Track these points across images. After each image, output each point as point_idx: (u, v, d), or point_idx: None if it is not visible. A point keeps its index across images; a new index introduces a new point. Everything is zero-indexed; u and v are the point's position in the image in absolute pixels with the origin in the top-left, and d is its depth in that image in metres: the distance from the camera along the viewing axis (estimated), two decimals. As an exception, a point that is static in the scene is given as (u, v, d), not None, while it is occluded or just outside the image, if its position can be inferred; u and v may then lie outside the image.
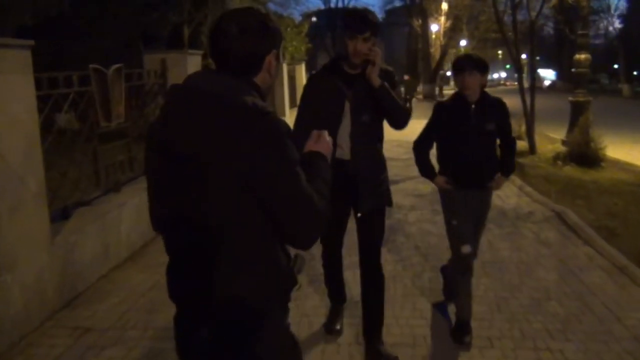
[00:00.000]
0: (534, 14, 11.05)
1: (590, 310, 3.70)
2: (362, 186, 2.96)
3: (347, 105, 2.90)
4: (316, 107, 2.96)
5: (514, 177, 8.13)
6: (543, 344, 3.27)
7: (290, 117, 12.78)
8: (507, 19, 11.25)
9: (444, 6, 29.74)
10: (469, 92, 3.24)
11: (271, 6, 23.37)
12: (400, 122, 2.96)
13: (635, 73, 41.29)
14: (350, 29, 2.79)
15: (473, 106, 3.26)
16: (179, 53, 6.53)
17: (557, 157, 9.76)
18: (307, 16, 27.28)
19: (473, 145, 3.27)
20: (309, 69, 21.70)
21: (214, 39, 1.52)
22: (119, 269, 4.64)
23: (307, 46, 18.42)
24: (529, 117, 10.51)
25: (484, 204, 3.47)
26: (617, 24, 46.82)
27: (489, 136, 3.32)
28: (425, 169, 3.49)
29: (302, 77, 17.29)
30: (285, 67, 14.28)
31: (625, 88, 38.56)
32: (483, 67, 3.24)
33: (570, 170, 8.96)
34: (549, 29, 42.38)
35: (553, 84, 50.27)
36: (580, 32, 10.61)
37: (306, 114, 3.02)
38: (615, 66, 46.29)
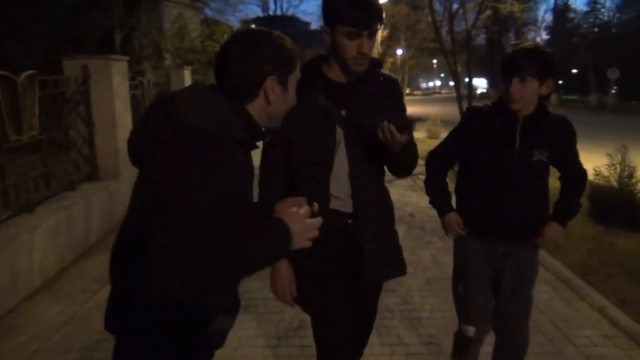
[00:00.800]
0: (469, 24, 11.23)
1: (540, 330, 3.57)
2: (371, 250, 2.05)
3: (339, 133, 1.96)
4: (292, 136, 1.97)
5: (452, 185, 8.11)
6: (493, 370, 3.08)
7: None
8: (443, 29, 11.37)
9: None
10: (519, 106, 2.21)
11: (208, 12, 22.97)
12: (405, 174, 2.13)
13: (560, 82, 43.39)
14: (349, 23, 1.81)
15: (521, 123, 2.25)
16: (102, 59, 6.07)
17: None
18: (245, 23, 26.90)
19: (512, 182, 2.27)
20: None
21: (217, 57, 1.46)
22: (30, 300, 4.13)
23: (244, 53, 18.05)
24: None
25: (522, 269, 2.39)
26: (544, 36, 49.26)
27: (538, 170, 2.29)
28: (436, 196, 2.52)
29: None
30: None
31: (552, 97, 40.46)
32: (546, 70, 2.17)
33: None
34: (480, 39, 43.93)
35: (485, 93, 52.07)
36: (513, 42, 10.87)
37: (276, 150, 2.03)
38: (543, 75, 48.40)
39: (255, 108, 1.44)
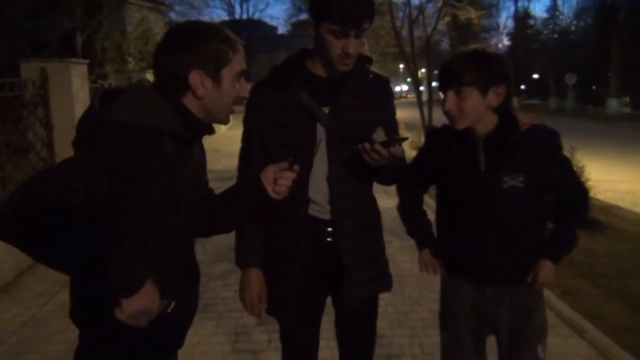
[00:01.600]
0: (429, 29, 11.50)
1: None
2: (351, 264, 1.85)
3: (320, 132, 1.80)
4: (270, 136, 1.84)
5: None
6: None
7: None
8: (404, 34, 11.62)
9: (347, 20, 30.39)
10: (462, 123, 1.81)
11: (172, 16, 22.80)
12: (388, 183, 2.01)
13: (522, 87, 44.52)
14: (335, 21, 1.65)
15: (482, 144, 1.85)
16: (60, 62, 6.04)
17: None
18: (210, 26, 26.78)
19: (486, 214, 1.87)
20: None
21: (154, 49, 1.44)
22: (-14, 303, 4.12)
23: (209, 57, 18.02)
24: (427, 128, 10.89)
25: (520, 318, 1.95)
26: (506, 42, 50.43)
27: (514, 198, 1.83)
28: (410, 227, 2.18)
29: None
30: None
31: (514, 101, 41.40)
32: (487, 76, 1.76)
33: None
34: (445, 44, 44.69)
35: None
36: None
37: (253, 150, 1.89)
38: (505, 80, 49.58)
39: (189, 102, 1.43)
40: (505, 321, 1.96)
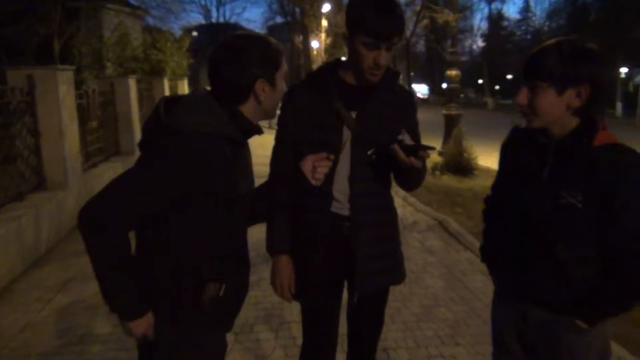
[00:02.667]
0: (408, 32, 11.69)
1: (477, 314, 3.90)
2: (364, 257, 2.01)
3: (345, 134, 1.95)
4: (300, 135, 2.00)
5: (397, 188, 8.48)
6: (436, 351, 3.38)
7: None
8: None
9: (324, 23, 30.59)
10: (535, 123, 1.66)
11: (149, 20, 22.70)
12: (411, 189, 2.13)
13: (497, 87, 45.23)
14: (369, 34, 1.80)
15: (552, 148, 1.67)
16: (47, 69, 6.03)
17: (435, 167, 10.33)
18: (187, 31, 26.71)
19: (536, 231, 1.69)
20: (191, 84, 21.21)
21: (208, 64, 1.59)
22: (-17, 310, 4.13)
23: (189, 61, 17.99)
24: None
25: (563, 350, 1.73)
26: (480, 43, 51.24)
27: (569, 218, 1.61)
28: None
29: (184, 92, 16.82)
30: (166, 83, 13.81)
31: (489, 101, 42.21)
32: (568, 73, 1.55)
33: (448, 180, 9.53)
34: (420, 46, 45.17)
35: (427, 98, 53.51)
36: (450, 50, 11.40)
37: (285, 147, 2.06)
38: (480, 81, 50.44)
39: (248, 108, 1.61)
40: (548, 355, 1.77)
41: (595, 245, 1.63)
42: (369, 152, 1.91)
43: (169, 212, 1.50)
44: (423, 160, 1.84)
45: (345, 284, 2.17)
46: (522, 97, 1.63)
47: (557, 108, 1.59)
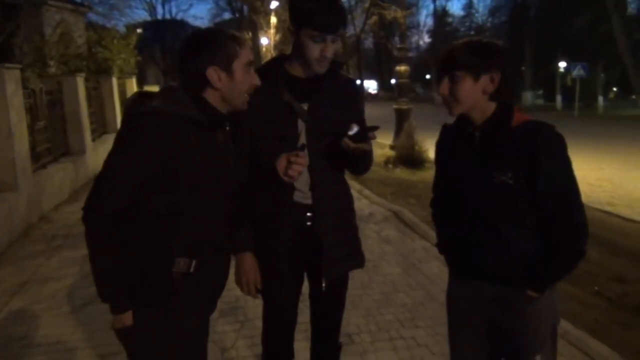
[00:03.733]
0: (358, 29, 11.90)
1: (433, 298, 4.08)
2: (330, 243, 2.08)
3: (300, 126, 2.02)
4: (257, 130, 2.04)
5: (352, 182, 8.66)
6: (396, 334, 3.53)
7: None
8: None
9: (273, 20, 30.58)
10: (456, 109, 1.84)
11: (92, 17, 22.04)
12: (362, 172, 2.22)
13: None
14: (315, 27, 1.90)
15: (478, 134, 1.84)
16: (-7, 67, 5.86)
17: (387, 161, 10.59)
18: (132, 27, 26.12)
19: (477, 212, 1.84)
20: (139, 83, 20.78)
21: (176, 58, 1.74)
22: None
23: (136, 59, 17.60)
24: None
25: (515, 324, 1.89)
26: (427, 39, 52.31)
27: (504, 196, 1.77)
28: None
29: (133, 91, 16.44)
30: (115, 82, 13.52)
31: (436, 96, 43.12)
32: (479, 62, 1.76)
33: (401, 173, 9.80)
34: (369, 43, 45.78)
35: (377, 94, 54.21)
36: (399, 46, 11.67)
37: (241, 143, 2.07)
38: (428, 76, 51.52)
39: (210, 96, 1.70)
40: (504, 324, 1.91)
41: (532, 217, 1.77)
42: (324, 145, 2.00)
43: (143, 191, 1.61)
44: (371, 140, 1.95)
45: (305, 273, 2.24)
46: (444, 87, 1.82)
47: (474, 93, 1.78)
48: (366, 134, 1.91)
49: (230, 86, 1.70)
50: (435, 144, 2.07)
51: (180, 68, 1.70)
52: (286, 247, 2.10)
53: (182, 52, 1.69)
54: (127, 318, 1.69)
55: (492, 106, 1.82)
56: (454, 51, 1.81)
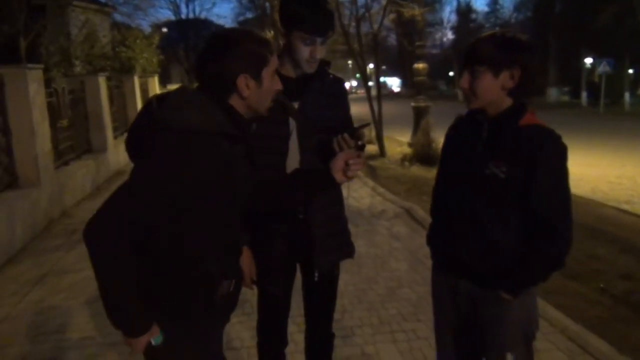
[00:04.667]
0: (376, 26, 11.91)
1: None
2: (322, 235, 2.19)
3: (291, 124, 2.11)
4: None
5: (366, 179, 8.73)
6: (398, 327, 3.60)
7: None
8: (352, 31, 11.99)
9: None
10: (475, 104, 1.86)
11: (117, 17, 22.44)
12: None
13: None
14: (306, 30, 2.00)
15: (486, 125, 1.87)
16: (16, 68, 6.08)
17: (404, 158, 10.62)
18: (157, 27, 26.51)
19: (463, 203, 1.89)
20: (162, 81, 21.09)
21: (196, 60, 1.61)
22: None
23: (159, 58, 17.90)
24: (377, 122, 11.29)
25: (484, 318, 1.93)
26: (450, 35, 51.82)
27: (492, 187, 1.81)
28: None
29: (155, 90, 16.77)
30: (137, 80, 13.79)
31: (459, 93, 42.73)
32: (500, 57, 1.76)
33: (416, 170, 9.81)
34: (392, 40, 45.60)
35: (399, 92, 53.89)
36: (417, 43, 11.66)
37: None
38: (451, 73, 51.07)
39: (235, 103, 1.59)
40: (473, 321, 1.95)
41: (517, 218, 1.80)
42: (316, 143, 2.07)
43: (174, 215, 1.50)
44: (363, 136, 2.01)
45: (298, 265, 2.33)
46: (464, 81, 1.83)
47: (493, 89, 1.79)
48: (357, 131, 1.99)
49: (257, 94, 1.61)
50: (445, 133, 2.09)
51: (204, 71, 1.58)
52: (280, 242, 2.19)
53: (207, 53, 1.57)
54: (155, 332, 1.60)
55: (508, 102, 1.83)
56: (478, 44, 1.81)
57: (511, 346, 1.90)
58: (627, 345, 3.25)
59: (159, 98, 1.58)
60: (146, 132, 1.53)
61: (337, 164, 1.80)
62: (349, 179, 1.85)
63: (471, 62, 1.80)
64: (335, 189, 1.91)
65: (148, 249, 1.55)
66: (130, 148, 1.64)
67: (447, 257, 1.99)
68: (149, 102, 1.58)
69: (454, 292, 1.99)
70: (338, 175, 1.80)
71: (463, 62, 1.85)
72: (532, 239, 1.79)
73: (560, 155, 1.77)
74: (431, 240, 2.11)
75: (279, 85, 1.69)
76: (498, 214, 1.81)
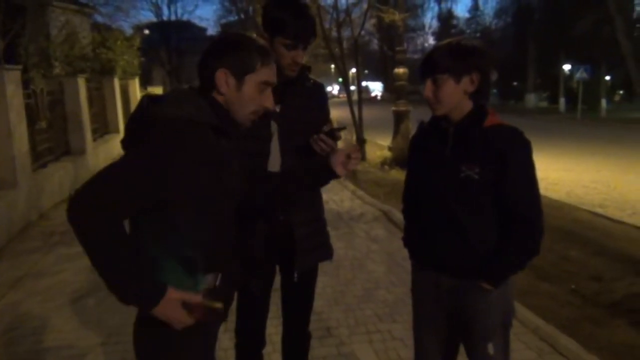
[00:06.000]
0: (357, 31, 12.01)
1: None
2: (301, 236, 2.24)
3: (273, 126, 2.16)
4: None
5: (346, 182, 8.80)
6: (374, 328, 3.66)
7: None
8: (334, 34, 12.07)
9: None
10: (440, 110, 1.93)
11: (98, 18, 22.22)
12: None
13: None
14: (289, 36, 2.06)
15: (452, 130, 1.95)
16: (-7, 69, 6.03)
17: (384, 162, 10.72)
18: (138, 29, 26.33)
19: (439, 204, 1.97)
20: (143, 83, 20.96)
21: None
22: None
23: (140, 60, 17.80)
24: (358, 126, 11.37)
25: (469, 313, 2.01)
26: (432, 41, 52.29)
27: (468, 189, 1.90)
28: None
29: (136, 92, 16.68)
30: (117, 82, 13.71)
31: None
32: (461, 64, 1.87)
33: (396, 174, 9.91)
34: (374, 45, 45.88)
35: (376, 96, 54.22)
36: (398, 48, 11.75)
37: None
38: (432, 78, 51.39)
39: (217, 100, 1.60)
40: (457, 318, 2.03)
41: (492, 213, 1.91)
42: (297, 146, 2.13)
43: (157, 204, 1.48)
44: (339, 138, 2.09)
45: (277, 266, 2.37)
46: (428, 90, 1.91)
47: (456, 94, 1.89)
48: (335, 133, 2.07)
49: (235, 95, 1.60)
50: (410, 141, 2.17)
51: (203, 69, 1.61)
52: (261, 242, 2.21)
53: (207, 53, 1.61)
54: (173, 294, 1.47)
55: (469, 105, 1.92)
56: (435, 54, 1.91)
57: (492, 336, 2.00)
58: (595, 344, 3.34)
59: (152, 97, 1.59)
60: (137, 127, 1.54)
61: (339, 157, 1.85)
62: (349, 171, 1.91)
63: (432, 71, 1.89)
64: (329, 180, 1.95)
65: (135, 237, 1.53)
66: (124, 145, 1.62)
67: (427, 255, 2.06)
68: (141, 101, 1.59)
69: (435, 287, 2.05)
70: (339, 169, 1.85)
71: (423, 71, 1.93)
72: (509, 231, 1.89)
73: (526, 150, 1.89)
74: (408, 242, 2.17)
75: (267, 103, 1.66)
76: (474, 213, 1.91)
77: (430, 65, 1.90)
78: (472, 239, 1.92)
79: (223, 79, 1.57)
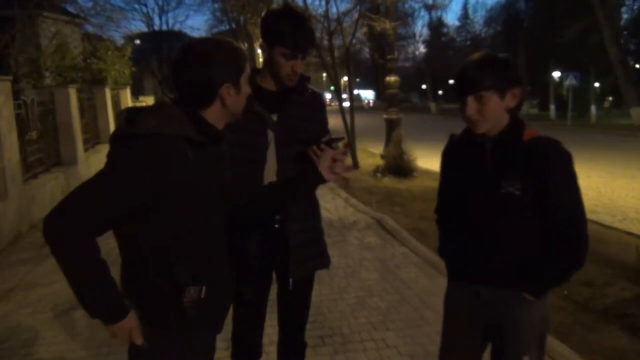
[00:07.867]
0: (348, 39, 12.08)
1: (407, 302, 4.21)
2: (296, 244, 2.23)
3: (270, 135, 2.18)
4: (230, 139, 2.05)
5: (339, 190, 8.80)
6: (367, 336, 3.65)
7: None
8: (325, 43, 12.13)
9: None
10: (483, 128, 1.88)
11: (89, 28, 22.18)
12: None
13: (440, 92, 46.58)
14: (288, 46, 2.08)
15: (489, 146, 1.91)
16: (-17, 79, 6.00)
17: (376, 170, 10.73)
18: (129, 39, 26.33)
19: (479, 220, 1.93)
20: (135, 93, 20.93)
21: (171, 69, 1.61)
22: None
23: (131, 70, 17.79)
24: (350, 134, 11.40)
25: (507, 320, 1.97)
26: (422, 49, 52.65)
27: (508, 206, 1.86)
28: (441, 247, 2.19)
29: (127, 101, 16.65)
30: (108, 92, 13.68)
31: (432, 106, 43.51)
32: (504, 78, 1.83)
33: (388, 181, 9.93)
34: (366, 53, 46.10)
35: (367, 103, 54.47)
36: (389, 56, 11.83)
37: None
38: (424, 86, 51.83)
39: (213, 112, 1.61)
40: (494, 329, 2.01)
41: (532, 226, 1.87)
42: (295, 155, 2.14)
43: (133, 215, 1.50)
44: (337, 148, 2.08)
45: (274, 275, 2.36)
46: (471, 108, 1.84)
47: (500, 110, 1.85)
48: (332, 142, 2.07)
49: (237, 100, 1.65)
50: (442, 152, 2.13)
51: (181, 81, 1.59)
52: (257, 250, 2.22)
53: (183, 64, 1.58)
54: (131, 321, 1.56)
55: (506, 119, 1.89)
56: (473, 71, 1.84)
57: (528, 349, 1.97)
58: (587, 349, 3.36)
59: (131, 110, 1.59)
60: (112, 142, 1.56)
61: (324, 162, 1.86)
62: (337, 175, 1.91)
63: (475, 89, 1.82)
64: (317, 186, 1.95)
65: (121, 251, 1.57)
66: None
67: (465, 268, 2.02)
68: (119, 114, 1.61)
69: (475, 297, 2.00)
70: (326, 173, 1.85)
71: (463, 90, 1.85)
72: (554, 242, 1.86)
73: (568, 161, 1.86)
74: (445, 254, 2.14)
75: (248, 89, 1.72)
76: (515, 228, 1.89)
77: (472, 83, 1.84)
78: (512, 253, 1.90)
79: (227, 92, 1.60)
